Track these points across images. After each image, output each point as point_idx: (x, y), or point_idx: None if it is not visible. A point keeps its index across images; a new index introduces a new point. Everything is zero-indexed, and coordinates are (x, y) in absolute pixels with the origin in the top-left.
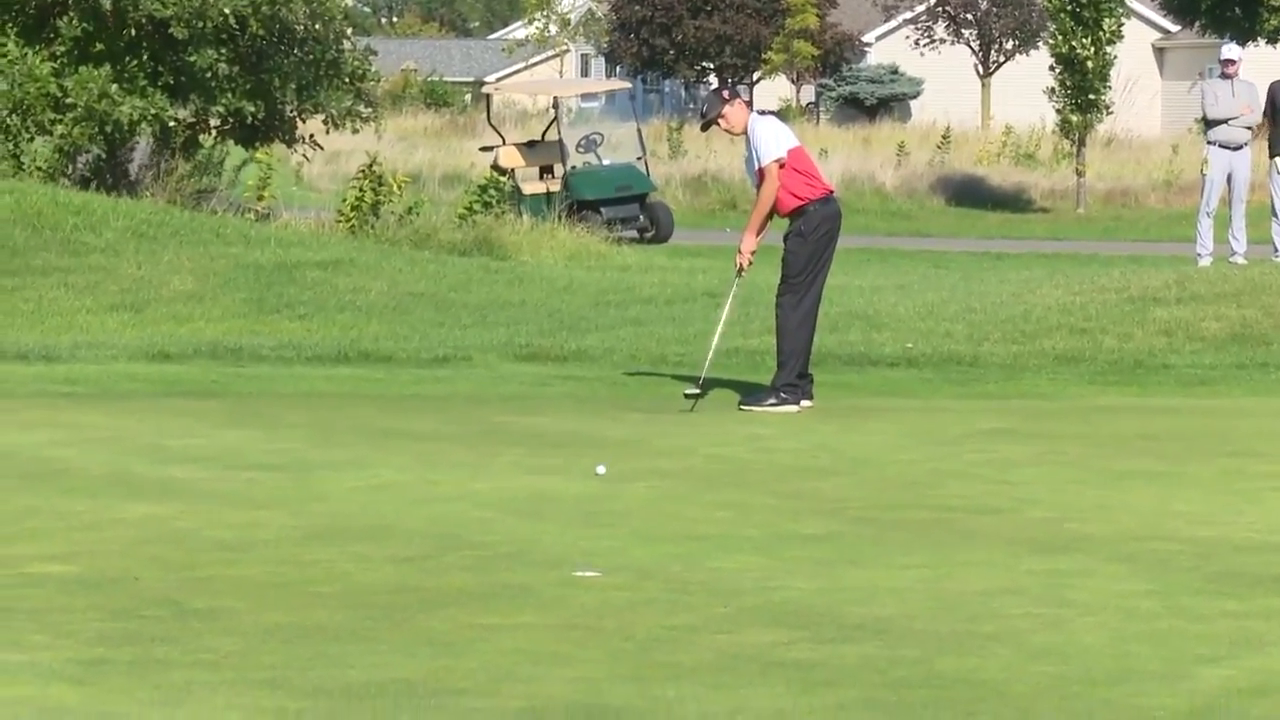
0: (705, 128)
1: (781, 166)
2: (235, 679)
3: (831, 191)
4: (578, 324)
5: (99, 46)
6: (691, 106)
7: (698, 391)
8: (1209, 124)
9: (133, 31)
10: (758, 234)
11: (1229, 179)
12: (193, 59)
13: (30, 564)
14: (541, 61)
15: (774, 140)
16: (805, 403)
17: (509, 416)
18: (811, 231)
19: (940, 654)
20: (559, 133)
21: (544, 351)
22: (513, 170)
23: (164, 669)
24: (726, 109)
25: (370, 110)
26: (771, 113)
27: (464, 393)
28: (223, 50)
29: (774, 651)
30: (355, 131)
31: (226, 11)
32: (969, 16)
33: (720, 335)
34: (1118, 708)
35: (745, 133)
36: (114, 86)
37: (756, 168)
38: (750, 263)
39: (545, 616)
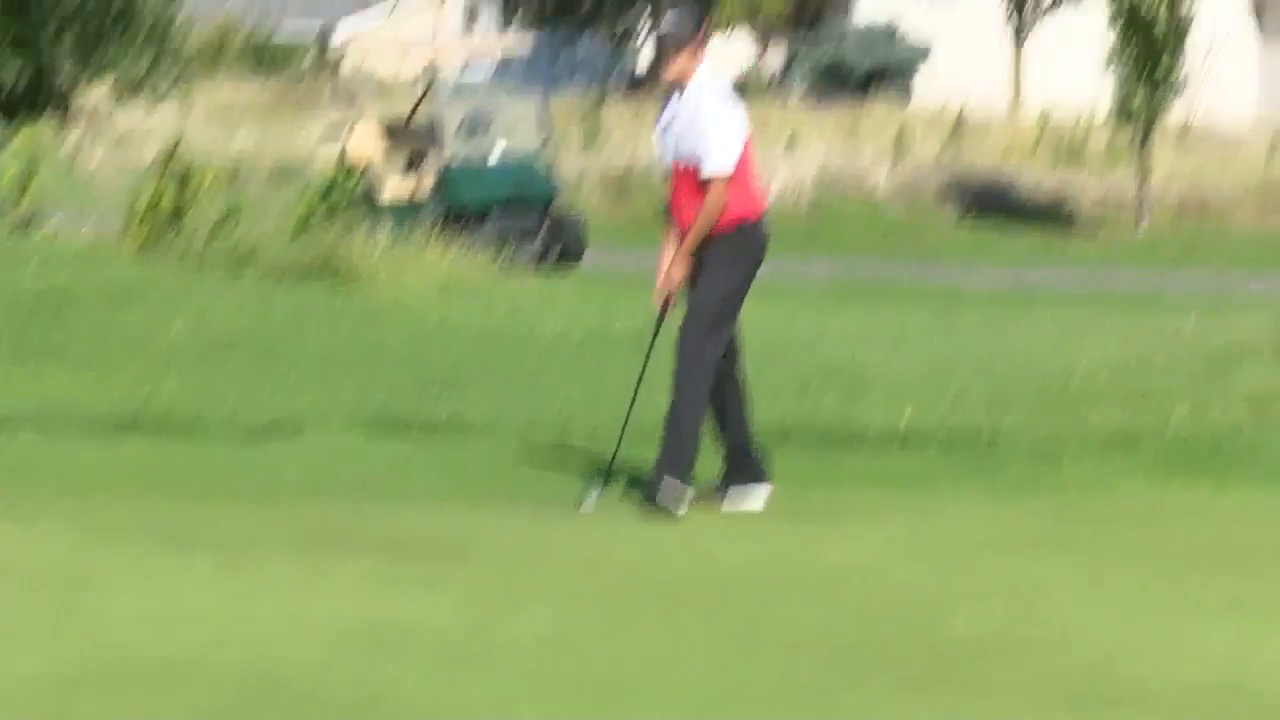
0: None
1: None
2: None
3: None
4: (454, 381)
5: None
6: (615, 76)
7: (596, 493)
8: None
9: None
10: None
11: None
12: None
13: None
14: (413, 9)
15: (737, 131)
16: (758, 489)
17: (356, 512)
18: (752, 254)
19: None
20: (432, 111)
21: (406, 419)
22: (368, 163)
23: None
24: (691, 47)
25: (175, 76)
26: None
27: (294, 478)
28: None
29: None
30: (155, 105)
31: None
32: None
33: (636, 401)
34: None
35: (685, 91)
36: None
37: (691, 156)
38: (675, 297)
39: None
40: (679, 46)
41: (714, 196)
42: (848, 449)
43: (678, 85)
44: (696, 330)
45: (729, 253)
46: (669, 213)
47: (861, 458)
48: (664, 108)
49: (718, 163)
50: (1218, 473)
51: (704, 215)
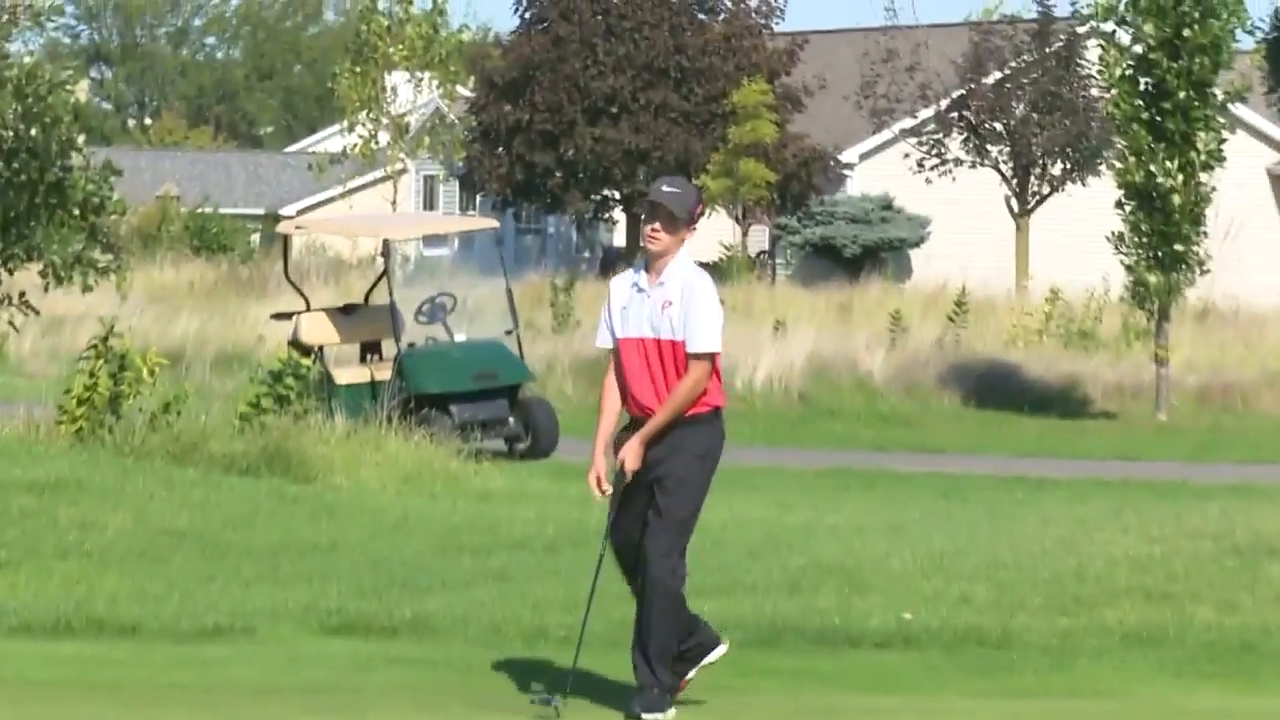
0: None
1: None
2: None
3: None
4: (416, 580)
5: None
6: (586, 256)
7: (556, 707)
8: None
9: None
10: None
11: None
12: None
13: None
14: (365, 186)
15: (719, 318)
16: (718, 651)
17: (313, 716)
18: (718, 447)
19: None
20: (390, 293)
21: (364, 620)
22: (320, 348)
23: None
24: (684, 230)
25: (111, 258)
26: (703, 265)
27: (245, 680)
28: None
29: None
30: (88, 289)
31: None
32: (998, 127)
33: (595, 601)
34: None
35: (660, 268)
36: None
37: (668, 337)
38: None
39: None
40: (673, 223)
41: (699, 373)
42: (845, 649)
43: (650, 260)
44: (669, 547)
45: (698, 444)
46: (625, 394)
47: (860, 659)
48: (630, 279)
49: (710, 339)
50: (1248, 675)
51: (683, 393)
